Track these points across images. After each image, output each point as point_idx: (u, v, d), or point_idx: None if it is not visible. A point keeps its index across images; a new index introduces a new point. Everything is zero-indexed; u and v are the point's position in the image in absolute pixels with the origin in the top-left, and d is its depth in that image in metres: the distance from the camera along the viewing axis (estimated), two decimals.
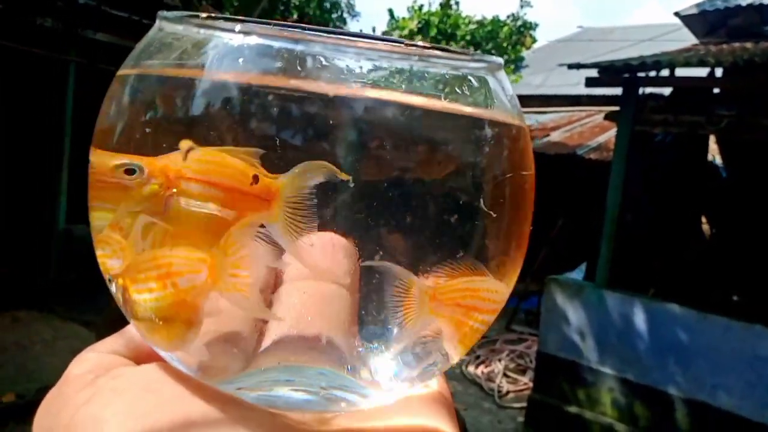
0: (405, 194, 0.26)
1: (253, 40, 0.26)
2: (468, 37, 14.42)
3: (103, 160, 0.26)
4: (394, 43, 0.28)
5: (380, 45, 0.26)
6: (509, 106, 0.30)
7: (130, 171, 0.25)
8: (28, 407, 3.59)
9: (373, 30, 23.80)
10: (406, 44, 0.29)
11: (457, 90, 0.28)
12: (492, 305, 0.28)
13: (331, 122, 0.25)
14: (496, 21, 15.36)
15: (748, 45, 5.32)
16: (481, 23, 15.09)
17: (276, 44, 0.26)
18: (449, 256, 0.26)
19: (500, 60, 0.30)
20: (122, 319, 0.29)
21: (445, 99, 0.28)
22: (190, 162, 0.24)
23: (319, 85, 0.25)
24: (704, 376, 4.05)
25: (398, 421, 0.29)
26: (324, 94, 0.25)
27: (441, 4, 15.63)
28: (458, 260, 0.26)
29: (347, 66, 0.26)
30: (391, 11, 15.95)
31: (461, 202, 0.27)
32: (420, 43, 0.29)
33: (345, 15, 13.83)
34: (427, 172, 0.26)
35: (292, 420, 0.27)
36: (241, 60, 0.26)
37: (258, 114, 0.25)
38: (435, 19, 14.67)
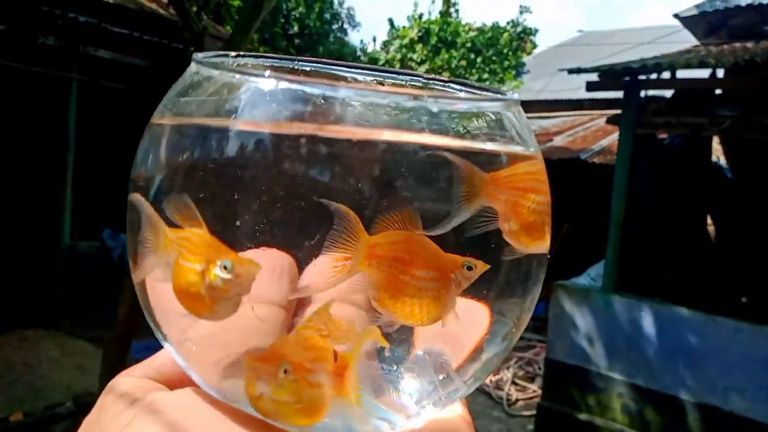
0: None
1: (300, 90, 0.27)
2: (468, 45, 14.42)
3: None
4: (413, 77, 0.30)
5: (407, 89, 0.28)
6: (526, 139, 0.31)
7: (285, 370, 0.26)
8: (35, 426, 3.58)
9: (374, 40, 23.89)
10: (426, 78, 0.30)
11: (476, 125, 0.29)
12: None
13: (359, 166, 0.26)
14: (496, 28, 15.38)
15: (749, 45, 5.31)
16: (481, 30, 15.11)
17: (330, 92, 0.27)
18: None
19: (516, 96, 0.31)
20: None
21: (466, 136, 0.29)
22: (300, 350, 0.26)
23: (349, 131, 0.26)
24: (715, 380, 4.00)
25: None
26: (351, 139, 0.26)
27: (441, 12, 15.68)
28: None
29: (376, 111, 0.27)
30: (391, 21, 16.00)
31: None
32: (440, 77, 0.31)
33: (345, 26, 13.88)
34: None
35: None
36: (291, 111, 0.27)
37: (320, 163, 0.26)
38: (435, 27, 14.70)
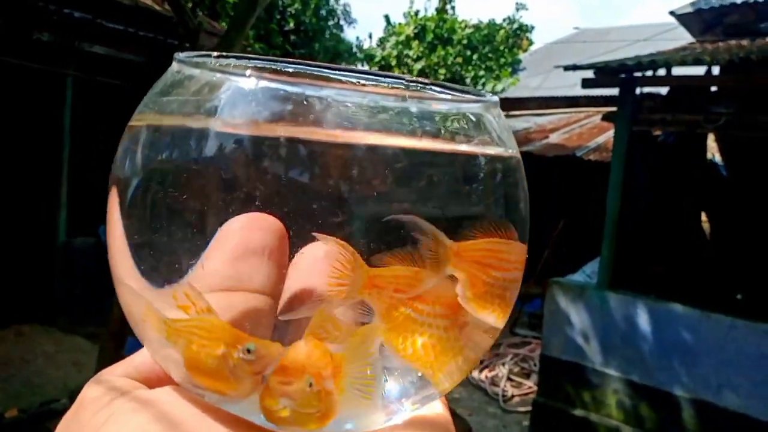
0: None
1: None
2: (464, 42, 14.42)
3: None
4: (395, 80, 0.30)
5: (387, 90, 0.28)
6: (505, 141, 0.31)
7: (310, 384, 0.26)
8: (31, 422, 3.58)
9: (370, 37, 23.85)
10: (407, 80, 0.30)
11: (455, 127, 0.29)
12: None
13: (337, 164, 0.26)
14: (492, 24, 15.39)
15: (744, 42, 5.32)
16: (477, 27, 15.11)
17: (316, 92, 0.27)
18: None
19: (496, 98, 0.31)
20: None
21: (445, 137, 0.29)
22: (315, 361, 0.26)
23: (326, 132, 0.26)
24: (710, 376, 4.03)
25: None
26: (329, 141, 0.26)
27: (437, 9, 15.66)
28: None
29: (355, 112, 0.27)
30: (387, 17, 15.98)
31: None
32: (421, 79, 0.31)
33: (341, 22, 13.85)
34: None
35: None
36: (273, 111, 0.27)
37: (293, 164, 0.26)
38: (431, 24, 14.69)
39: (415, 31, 14.85)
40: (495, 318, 0.30)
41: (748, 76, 4.28)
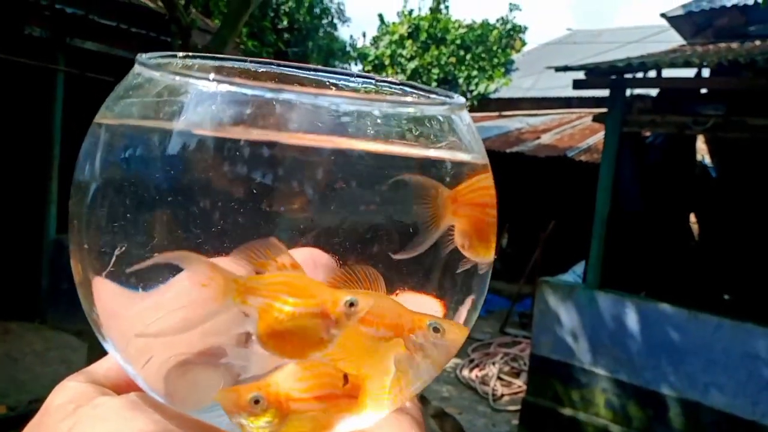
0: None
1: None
2: (458, 41, 14.43)
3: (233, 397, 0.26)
4: (366, 79, 0.29)
5: (352, 93, 0.28)
6: (471, 143, 0.31)
7: (255, 401, 0.26)
8: (19, 419, 3.56)
9: (364, 35, 23.82)
10: (377, 80, 0.30)
11: (422, 129, 0.29)
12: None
13: (300, 167, 0.26)
14: (485, 25, 15.40)
15: (734, 45, 5.37)
16: (471, 27, 15.12)
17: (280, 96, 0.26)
18: None
19: (462, 100, 0.31)
20: None
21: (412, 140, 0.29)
22: (295, 382, 0.26)
23: (287, 135, 0.26)
24: (696, 375, 4.06)
25: None
26: (288, 144, 0.26)
27: (431, 9, 15.67)
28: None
29: (321, 115, 0.26)
30: (381, 16, 15.96)
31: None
32: (391, 79, 0.31)
33: (335, 21, 13.83)
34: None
35: None
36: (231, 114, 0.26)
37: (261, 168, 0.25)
38: (425, 24, 14.69)
39: (409, 30, 14.85)
40: (490, 257, 0.31)
41: (736, 79, 4.32)
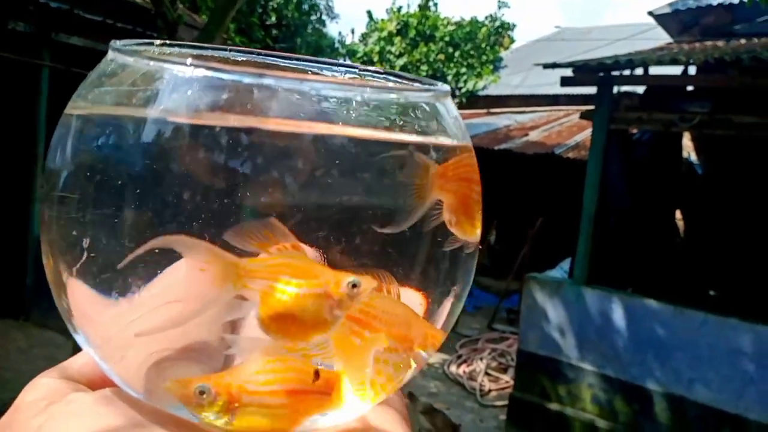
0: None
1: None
2: (447, 39, 14.43)
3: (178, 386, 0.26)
4: (349, 68, 0.29)
5: (334, 78, 0.28)
6: (455, 130, 0.31)
7: (201, 392, 0.25)
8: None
9: (352, 32, 23.78)
10: (361, 70, 0.30)
11: (407, 117, 0.29)
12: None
13: (280, 153, 0.25)
14: (474, 22, 15.41)
15: (720, 44, 5.42)
16: (459, 24, 15.12)
17: (252, 80, 0.26)
18: None
19: (447, 88, 0.31)
20: None
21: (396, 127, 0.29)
22: (252, 375, 0.25)
23: (271, 121, 0.25)
24: (682, 370, 4.10)
25: None
26: (275, 130, 0.25)
27: (420, 6, 15.66)
28: None
29: (303, 100, 0.26)
30: (369, 13, 15.94)
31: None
32: (373, 68, 0.31)
33: (324, 17, 13.78)
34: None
35: None
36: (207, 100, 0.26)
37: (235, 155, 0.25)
38: (414, 21, 14.68)
39: (398, 27, 14.84)
40: (476, 236, 0.31)
41: (722, 77, 4.36)
